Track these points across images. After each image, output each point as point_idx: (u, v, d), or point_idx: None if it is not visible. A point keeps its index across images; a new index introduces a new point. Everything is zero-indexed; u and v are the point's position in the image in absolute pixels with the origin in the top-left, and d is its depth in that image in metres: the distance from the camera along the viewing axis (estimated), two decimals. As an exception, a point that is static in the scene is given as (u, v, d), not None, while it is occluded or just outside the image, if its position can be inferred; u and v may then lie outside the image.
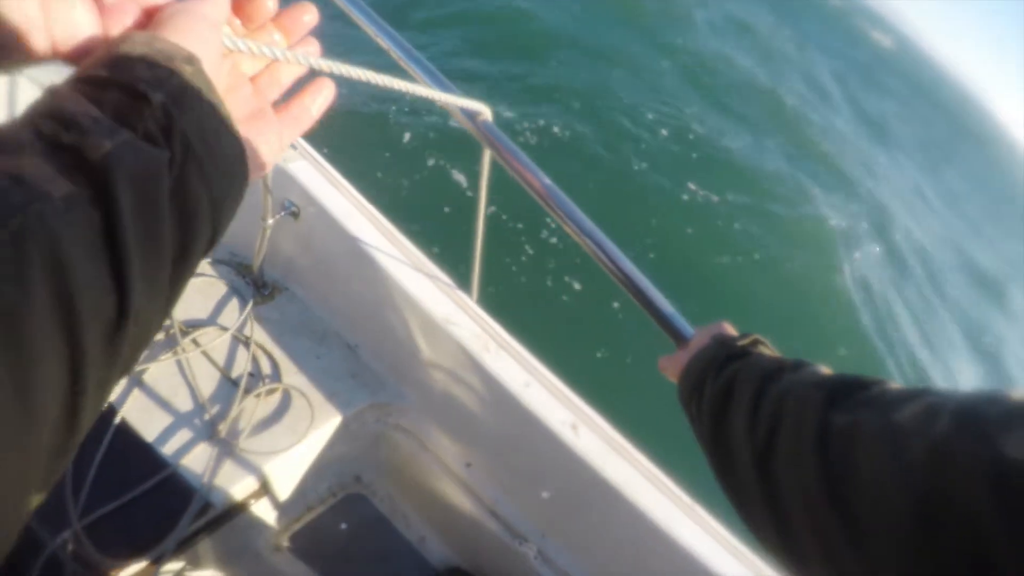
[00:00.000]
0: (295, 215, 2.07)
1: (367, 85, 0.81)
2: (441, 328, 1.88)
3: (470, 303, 1.95)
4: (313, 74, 0.67)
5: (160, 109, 0.44)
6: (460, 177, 6.09)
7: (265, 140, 0.60)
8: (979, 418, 0.49)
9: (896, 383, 0.64)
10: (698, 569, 1.72)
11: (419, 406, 2.03)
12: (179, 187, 0.45)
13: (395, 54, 1.48)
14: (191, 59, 0.48)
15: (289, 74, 0.65)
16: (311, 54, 0.65)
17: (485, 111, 1.55)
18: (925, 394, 0.57)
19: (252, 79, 0.63)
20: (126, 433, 1.78)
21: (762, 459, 0.68)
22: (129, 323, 0.42)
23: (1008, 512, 0.43)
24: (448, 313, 1.90)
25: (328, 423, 1.93)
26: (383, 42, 1.46)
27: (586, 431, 1.79)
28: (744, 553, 1.75)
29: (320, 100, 0.67)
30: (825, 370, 0.75)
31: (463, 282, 2.02)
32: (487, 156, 1.70)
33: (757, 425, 0.71)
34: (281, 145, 0.63)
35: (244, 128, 0.56)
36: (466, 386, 1.91)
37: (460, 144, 6.08)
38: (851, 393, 0.64)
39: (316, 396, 1.96)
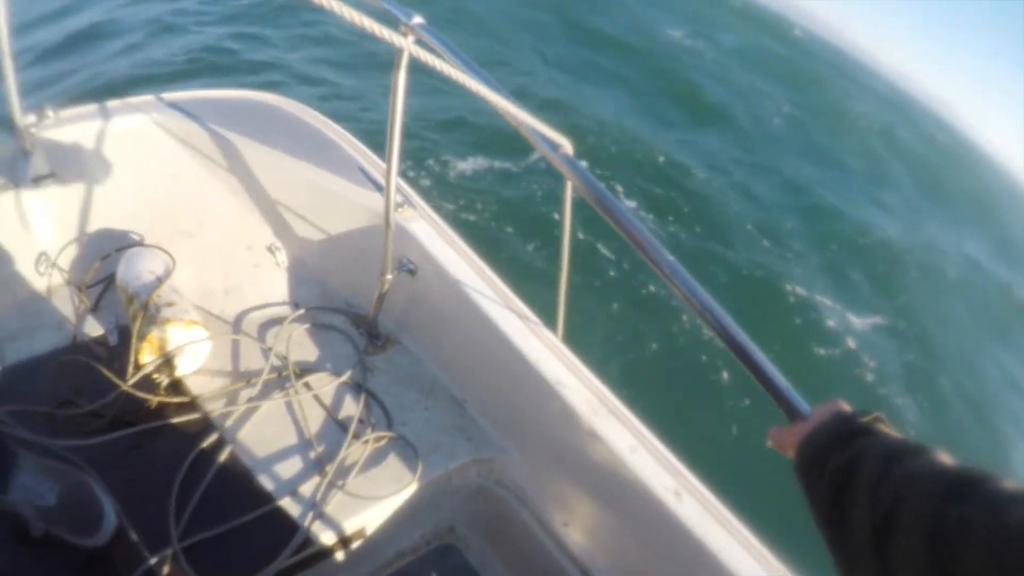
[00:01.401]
0: (412, 272, 2.12)
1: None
2: (551, 389, 1.86)
3: (582, 367, 1.93)
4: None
5: None
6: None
7: None
8: None
9: (1012, 481, 0.67)
10: None
11: (522, 463, 1.99)
12: None
13: (485, 91, 1.51)
14: None
15: None
16: None
17: (566, 144, 1.59)
18: None
19: None
20: (234, 464, 1.80)
21: (878, 537, 0.71)
22: None
23: None
24: (559, 376, 1.88)
25: (431, 474, 1.91)
26: (472, 80, 1.50)
27: (689, 499, 1.73)
28: None
29: None
30: (947, 457, 0.78)
31: (549, 321, 2.02)
32: (568, 189, 1.75)
33: (878, 504, 0.74)
34: None
35: None
36: (571, 447, 1.88)
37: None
38: (969, 487, 0.67)
39: (422, 446, 1.94)
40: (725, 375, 5.57)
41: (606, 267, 6.51)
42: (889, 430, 0.93)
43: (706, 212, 8.69)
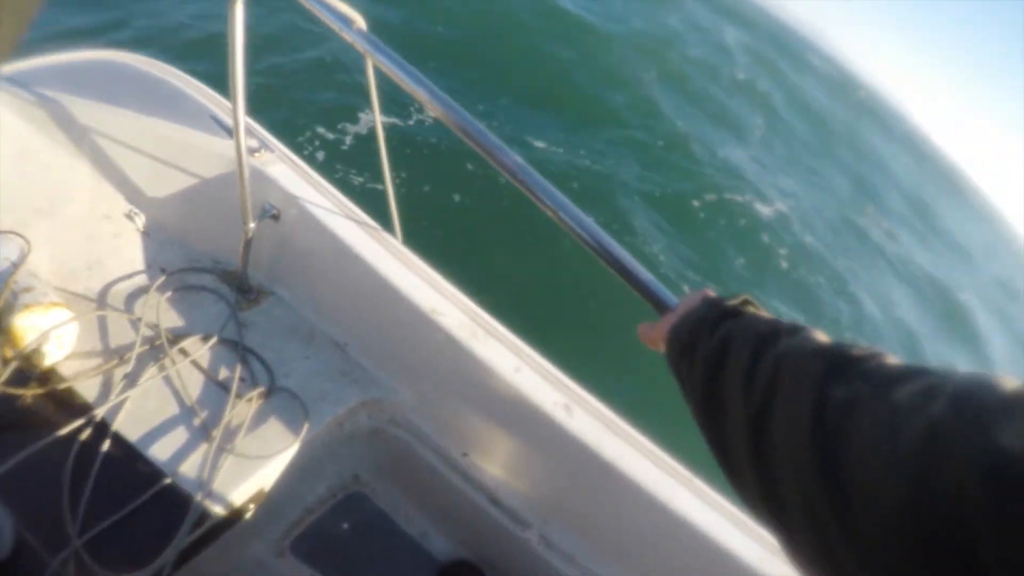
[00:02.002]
0: (276, 217, 2.07)
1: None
2: (428, 319, 1.88)
3: (455, 291, 1.94)
4: None
5: None
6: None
7: None
8: (976, 404, 0.49)
9: (894, 357, 0.63)
10: (700, 542, 1.71)
11: (411, 400, 2.03)
12: None
13: None
14: None
15: None
16: None
17: (358, 18, 1.51)
18: (924, 373, 0.57)
19: None
20: (120, 446, 1.78)
21: (756, 423, 0.67)
22: None
23: (997, 501, 0.43)
24: (434, 304, 1.89)
25: (322, 423, 1.92)
26: None
27: (579, 411, 1.79)
28: (744, 522, 1.73)
29: None
30: (822, 336, 0.74)
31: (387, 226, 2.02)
32: (370, 66, 1.70)
33: (753, 388, 0.70)
34: None
35: None
36: (457, 376, 1.91)
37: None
38: (850, 365, 0.63)
39: (308, 397, 1.95)
40: (586, 278, 5.57)
41: (434, 158, 6.44)
42: (759, 311, 0.90)
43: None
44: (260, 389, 1.94)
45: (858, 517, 0.52)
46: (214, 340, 2.01)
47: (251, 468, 1.80)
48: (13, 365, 1.83)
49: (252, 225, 2.02)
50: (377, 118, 1.95)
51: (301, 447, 1.88)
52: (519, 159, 1.37)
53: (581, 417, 1.78)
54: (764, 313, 0.90)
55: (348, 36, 1.49)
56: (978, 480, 0.44)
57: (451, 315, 1.89)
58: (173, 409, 1.87)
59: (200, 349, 1.99)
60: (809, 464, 0.57)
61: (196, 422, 1.85)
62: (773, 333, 0.76)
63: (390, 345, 2.03)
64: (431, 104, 1.40)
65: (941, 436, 0.48)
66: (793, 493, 0.59)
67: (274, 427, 1.89)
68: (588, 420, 1.78)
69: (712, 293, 1.05)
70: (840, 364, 0.64)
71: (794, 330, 0.76)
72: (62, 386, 1.87)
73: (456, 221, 5.87)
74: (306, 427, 1.89)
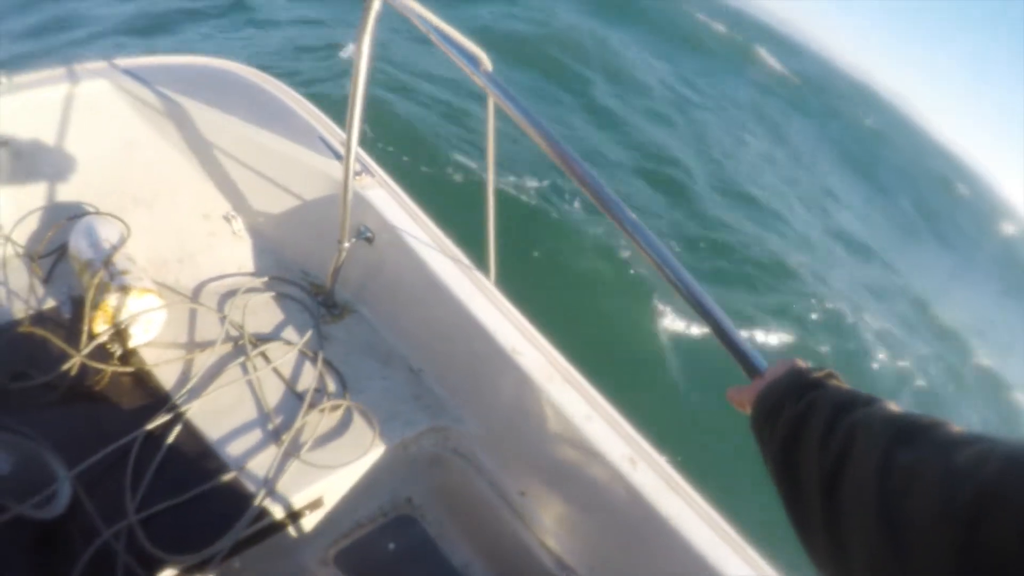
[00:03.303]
0: (369, 240, 2.12)
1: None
2: (507, 357, 1.88)
3: (537, 334, 1.95)
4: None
5: None
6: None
7: None
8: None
9: (959, 426, 0.68)
10: None
11: (478, 432, 2.01)
12: None
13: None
14: None
15: None
16: None
17: (484, 58, 1.57)
18: (982, 439, 0.62)
19: None
20: (189, 435, 1.81)
21: (829, 484, 0.73)
22: None
23: None
24: (515, 343, 1.90)
25: (387, 443, 1.93)
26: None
27: (643, 466, 1.77)
28: None
29: None
30: (895, 407, 0.79)
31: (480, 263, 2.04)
32: (491, 106, 1.75)
33: (827, 452, 0.75)
34: None
35: None
36: (526, 415, 1.90)
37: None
38: (917, 432, 0.68)
39: (378, 415, 1.96)
40: (681, 339, 5.60)
41: (545, 208, 6.52)
42: (841, 383, 0.95)
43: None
44: (334, 401, 1.95)
45: (918, 565, 0.58)
46: (295, 348, 2.04)
47: (314, 476, 1.81)
48: (99, 340, 1.87)
49: (347, 244, 2.07)
50: (491, 155, 1.99)
51: (364, 463, 1.89)
52: (634, 216, 1.39)
53: (644, 472, 1.75)
54: (846, 386, 0.94)
55: (475, 76, 1.55)
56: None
57: (530, 356, 1.89)
58: (247, 408, 1.90)
59: (281, 355, 2.02)
60: (875, 519, 0.63)
61: (268, 424, 1.87)
62: (851, 402, 0.82)
63: (465, 377, 2.03)
64: (549, 149, 1.43)
65: (990, 495, 0.54)
66: (859, 547, 0.65)
67: (342, 440, 1.90)
68: (651, 476, 1.75)
69: (800, 363, 1.09)
70: (907, 431, 0.69)
71: (870, 400, 0.81)
72: (142, 368, 1.90)
73: (552, 267, 5.93)
74: (373, 444, 1.90)
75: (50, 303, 2.00)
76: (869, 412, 0.77)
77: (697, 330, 5.59)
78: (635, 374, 5.27)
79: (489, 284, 2.03)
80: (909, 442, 0.67)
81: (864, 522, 0.64)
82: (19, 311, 1.95)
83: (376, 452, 1.90)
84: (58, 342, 1.84)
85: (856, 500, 0.67)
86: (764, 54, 22.38)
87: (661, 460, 1.81)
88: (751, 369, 1.25)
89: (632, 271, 6.05)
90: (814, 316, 7.73)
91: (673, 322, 5.69)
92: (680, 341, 5.60)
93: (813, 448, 0.78)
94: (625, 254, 6.10)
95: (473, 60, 1.56)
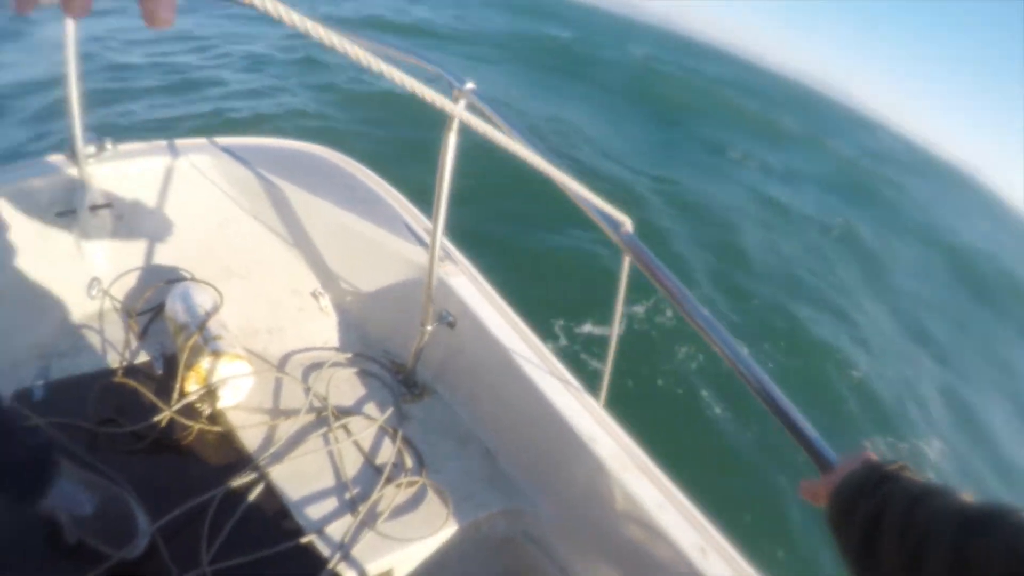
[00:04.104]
0: (451, 325, 2.16)
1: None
2: (583, 444, 1.88)
3: (611, 422, 1.96)
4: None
5: None
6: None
7: None
8: None
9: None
10: None
11: (551, 517, 1.98)
12: None
13: (539, 160, 1.58)
14: None
15: None
16: None
17: (627, 221, 1.68)
18: None
19: None
20: (269, 497, 1.81)
21: (909, 570, 0.76)
22: None
23: None
24: (592, 432, 1.90)
25: (460, 522, 1.90)
26: (524, 149, 1.56)
27: (714, 555, 1.73)
28: None
29: None
30: (968, 497, 0.82)
31: (592, 385, 2.04)
32: (626, 264, 1.81)
33: (905, 544, 0.78)
34: None
35: None
36: (600, 502, 1.88)
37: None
38: (990, 520, 0.72)
39: (452, 494, 1.94)
40: (750, 431, 5.57)
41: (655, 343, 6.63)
42: (914, 476, 0.96)
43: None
44: (410, 478, 1.94)
45: None
46: (376, 424, 2.06)
47: (387, 548, 1.78)
48: (190, 398, 1.90)
49: (429, 328, 2.11)
50: (618, 309, 2.06)
51: (437, 539, 1.86)
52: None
53: (715, 562, 1.72)
54: (918, 477, 0.96)
55: (616, 238, 1.69)
56: None
57: (606, 444, 1.89)
58: (326, 477, 1.90)
59: (362, 429, 2.04)
60: None
61: (345, 494, 1.86)
62: (925, 495, 0.84)
63: (540, 461, 2.02)
64: (686, 312, 1.58)
65: None
66: None
67: (417, 515, 1.88)
68: (721, 566, 1.72)
69: (873, 456, 1.12)
70: (981, 518, 0.73)
71: (943, 492, 0.84)
72: (228, 428, 1.92)
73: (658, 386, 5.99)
74: (446, 522, 1.88)
75: (143, 358, 2.05)
76: (943, 503, 0.80)
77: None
78: (709, 465, 5.23)
79: (565, 371, 2.05)
80: (981, 530, 0.70)
81: None
82: (113, 361, 2.01)
83: (449, 530, 1.87)
84: (149, 395, 1.88)
85: None
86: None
87: (732, 550, 1.77)
88: (820, 461, 1.29)
89: (703, 361, 6.10)
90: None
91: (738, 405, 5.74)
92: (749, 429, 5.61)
93: (892, 542, 0.80)
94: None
95: (615, 223, 1.72)
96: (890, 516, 0.84)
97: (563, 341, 5.46)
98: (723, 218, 11.35)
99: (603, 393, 2.04)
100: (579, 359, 2.12)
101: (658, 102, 17.74)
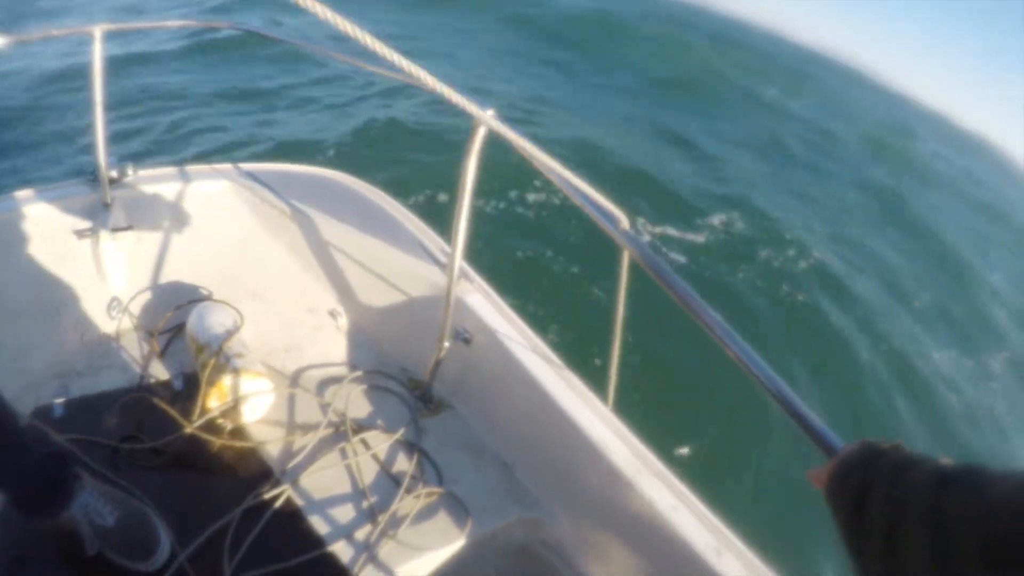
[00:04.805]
0: (467, 341, 2.19)
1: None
2: (597, 452, 1.89)
3: (622, 427, 1.97)
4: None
5: None
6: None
7: None
8: None
9: (998, 468, 0.78)
10: None
11: (567, 525, 1.99)
12: None
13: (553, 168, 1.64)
14: None
15: None
16: None
17: (623, 218, 1.71)
18: (1017, 473, 0.73)
19: None
20: (289, 510, 1.83)
21: (891, 532, 0.82)
22: None
23: None
24: (605, 439, 1.92)
25: (478, 531, 1.92)
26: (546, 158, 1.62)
27: (729, 556, 1.73)
28: None
29: None
30: (948, 460, 0.88)
31: (599, 387, 2.06)
32: (625, 260, 1.82)
33: (888, 507, 0.85)
34: None
35: None
36: (616, 509, 1.89)
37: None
38: (960, 476, 0.78)
39: (471, 504, 1.96)
40: (759, 427, 5.54)
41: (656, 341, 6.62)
42: (906, 451, 1.01)
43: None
44: (429, 488, 1.95)
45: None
46: (394, 438, 2.08)
47: (407, 557, 1.80)
48: (212, 415, 1.93)
49: (446, 344, 2.14)
50: (620, 308, 2.09)
51: (455, 548, 1.88)
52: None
53: (730, 562, 1.72)
54: (911, 452, 1.00)
55: (614, 234, 1.71)
56: None
57: (619, 451, 1.90)
58: (346, 490, 1.92)
59: (380, 443, 2.06)
60: (928, 554, 0.74)
61: (365, 505, 1.88)
62: (911, 463, 0.90)
63: (555, 471, 2.03)
64: (687, 307, 1.58)
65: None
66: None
67: (435, 525, 1.89)
68: (736, 566, 1.72)
69: (871, 439, 1.16)
70: (952, 476, 0.79)
71: (924, 460, 0.90)
72: (248, 444, 1.94)
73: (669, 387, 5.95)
74: (466, 531, 1.89)
75: (163, 375, 2.08)
76: (923, 468, 0.86)
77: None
78: (720, 464, 5.19)
79: (578, 381, 2.07)
80: (953, 485, 0.77)
81: (920, 556, 0.75)
82: (133, 379, 2.04)
83: (467, 539, 1.89)
84: (171, 411, 1.91)
85: (912, 542, 0.77)
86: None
87: (747, 550, 1.77)
88: (828, 449, 1.32)
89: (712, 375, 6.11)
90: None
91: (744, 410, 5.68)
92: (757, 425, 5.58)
93: (878, 507, 0.87)
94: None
95: (611, 218, 1.73)
96: (878, 486, 0.89)
97: (567, 340, 5.53)
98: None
99: (610, 395, 2.05)
100: (582, 360, 2.12)
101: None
